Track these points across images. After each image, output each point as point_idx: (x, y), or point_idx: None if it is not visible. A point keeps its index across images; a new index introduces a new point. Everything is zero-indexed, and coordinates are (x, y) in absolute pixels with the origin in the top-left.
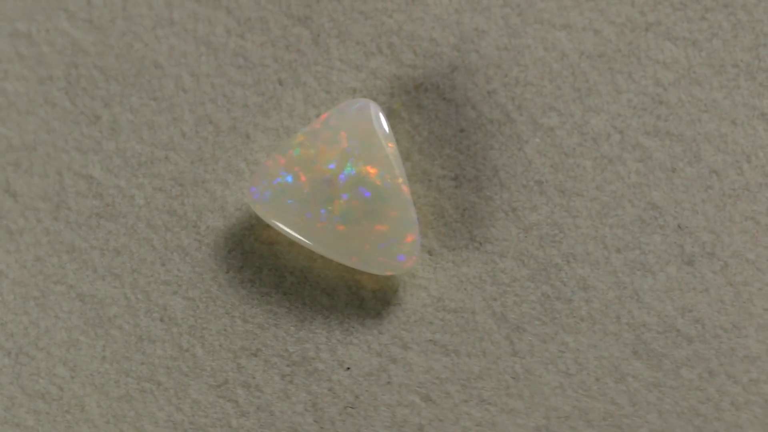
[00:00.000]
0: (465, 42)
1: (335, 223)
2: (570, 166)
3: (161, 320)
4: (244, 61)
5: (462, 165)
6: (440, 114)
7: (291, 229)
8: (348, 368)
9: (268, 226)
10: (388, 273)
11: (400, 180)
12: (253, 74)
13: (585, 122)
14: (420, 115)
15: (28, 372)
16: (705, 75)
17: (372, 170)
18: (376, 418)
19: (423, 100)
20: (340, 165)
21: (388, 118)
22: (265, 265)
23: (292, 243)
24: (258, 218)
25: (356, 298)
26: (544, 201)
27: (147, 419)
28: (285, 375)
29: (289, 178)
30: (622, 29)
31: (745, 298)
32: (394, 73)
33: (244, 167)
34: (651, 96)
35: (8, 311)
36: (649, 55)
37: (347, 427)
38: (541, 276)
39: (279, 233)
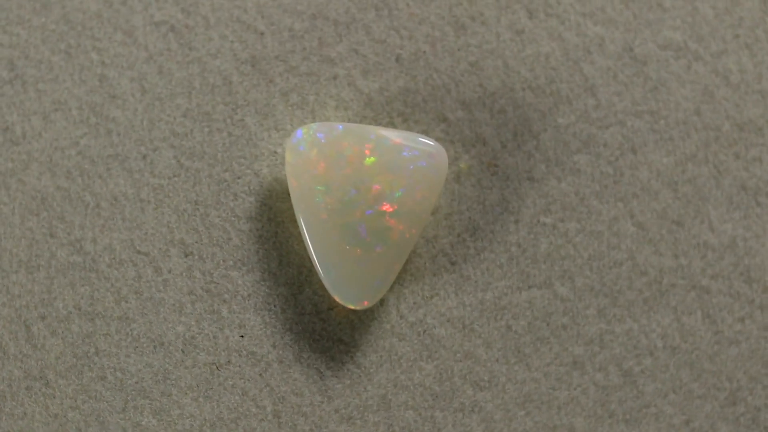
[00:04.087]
0: (558, 166)
1: (332, 225)
2: (543, 338)
3: (144, 158)
4: (387, 15)
5: (467, 258)
6: (487, 203)
7: (294, 191)
8: (242, 336)
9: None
10: (335, 296)
11: (414, 236)
12: (384, 33)
13: (587, 322)
14: (471, 190)
15: (18, 99)
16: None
17: (397, 218)
18: (225, 394)
19: (484, 180)
20: (382, 188)
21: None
22: (254, 192)
23: (288, 194)
24: (284, 150)
25: (296, 286)
26: (499, 347)
27: (62, 227)
28: (193, 292)
29: (332, 158)
30: (675, 273)
31: None
32: (486, 136)
33: (311, 100)
34: (652, 343)
35: (42, 42)
36: (677, 311)
37: (197, 378)
38: (444, 401)
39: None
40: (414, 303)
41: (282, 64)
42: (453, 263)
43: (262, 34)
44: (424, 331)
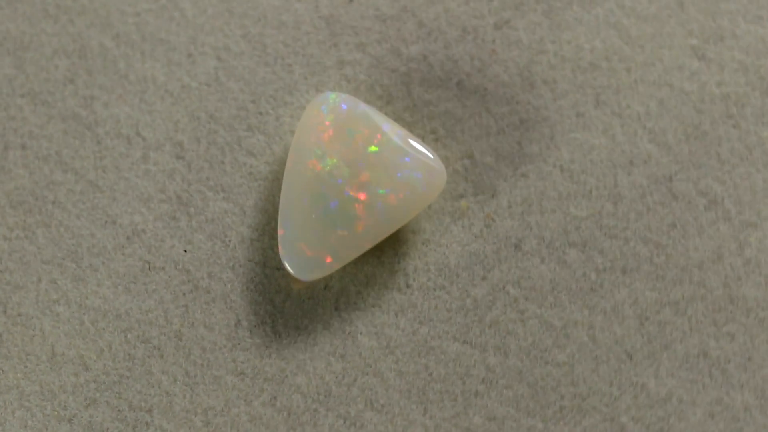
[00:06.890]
0: (549, 249)
1: (309, 189)
2: (452, 393)
3: (189, 56)
4: (471, 40)
5: (422, 288)
6: (467, 249)
7: (294, 143)
8: (186, 251)
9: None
10: (286, 262)
11: (377, 236)
12: (459, 54)
13: (499, 400)
14: (459, 230)
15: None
16: None
17: (369, 212)
18: (143, 294)
19: (476, 227)
20: (369, 179)
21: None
22: (266, 132)
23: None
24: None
25: (259, 231)
26: (408, 380)
27: (84, 78)
28: (164, 191)
29: (342, 131)
30: (602, 398)
31: None
32: (498, 190)
33: (361, 79)
34: None
35: None
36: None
37: (128, 268)
38: (333, 402)
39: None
40: (354, 303)
41: (354, 35)
42: (408, 286)
43: (351, 0)
44: (350, 333)
